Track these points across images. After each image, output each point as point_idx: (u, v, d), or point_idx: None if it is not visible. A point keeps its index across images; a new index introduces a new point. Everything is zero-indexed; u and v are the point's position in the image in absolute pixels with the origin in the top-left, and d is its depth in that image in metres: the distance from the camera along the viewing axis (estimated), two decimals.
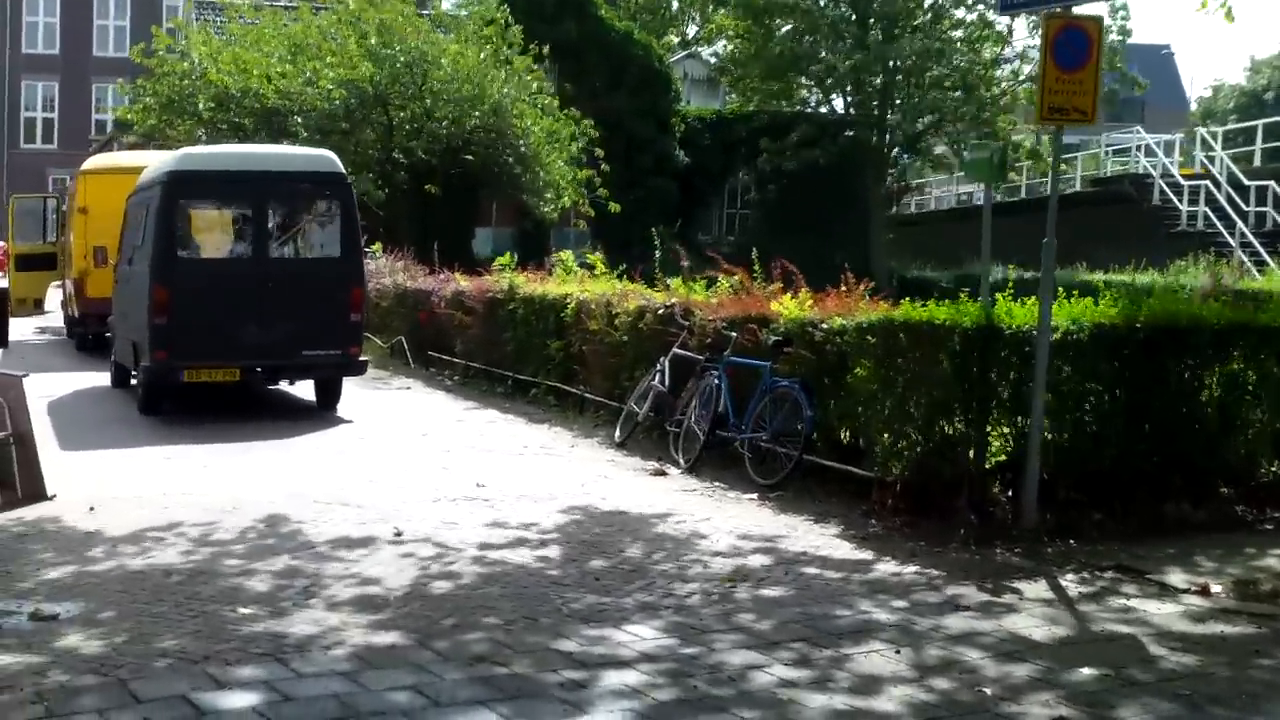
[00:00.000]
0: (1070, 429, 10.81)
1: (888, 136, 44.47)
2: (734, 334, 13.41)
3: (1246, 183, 36.26)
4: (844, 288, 12.86)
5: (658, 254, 22.31)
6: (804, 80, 46.15)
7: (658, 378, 14.63)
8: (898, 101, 43.97)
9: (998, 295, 11.11)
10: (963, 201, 54.73)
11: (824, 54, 44.22)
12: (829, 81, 45.10)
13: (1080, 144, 46.59)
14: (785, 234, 37.47)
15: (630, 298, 15.99)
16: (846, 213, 43.39)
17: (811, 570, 9.46)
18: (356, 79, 31.16)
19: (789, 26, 45.84)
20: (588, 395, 16.96)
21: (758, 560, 9.72)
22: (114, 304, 19.50)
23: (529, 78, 32.83)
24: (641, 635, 7.83)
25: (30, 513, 10.97)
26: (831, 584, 9.11)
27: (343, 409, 17.45)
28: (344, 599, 8.50)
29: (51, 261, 29.13)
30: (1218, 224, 35.55)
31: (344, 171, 17.29)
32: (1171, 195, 37.42)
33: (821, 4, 44.55)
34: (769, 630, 8.00)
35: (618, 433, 15.01)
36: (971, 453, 10.80)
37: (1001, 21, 44.57)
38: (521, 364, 18.97)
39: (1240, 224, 34.83)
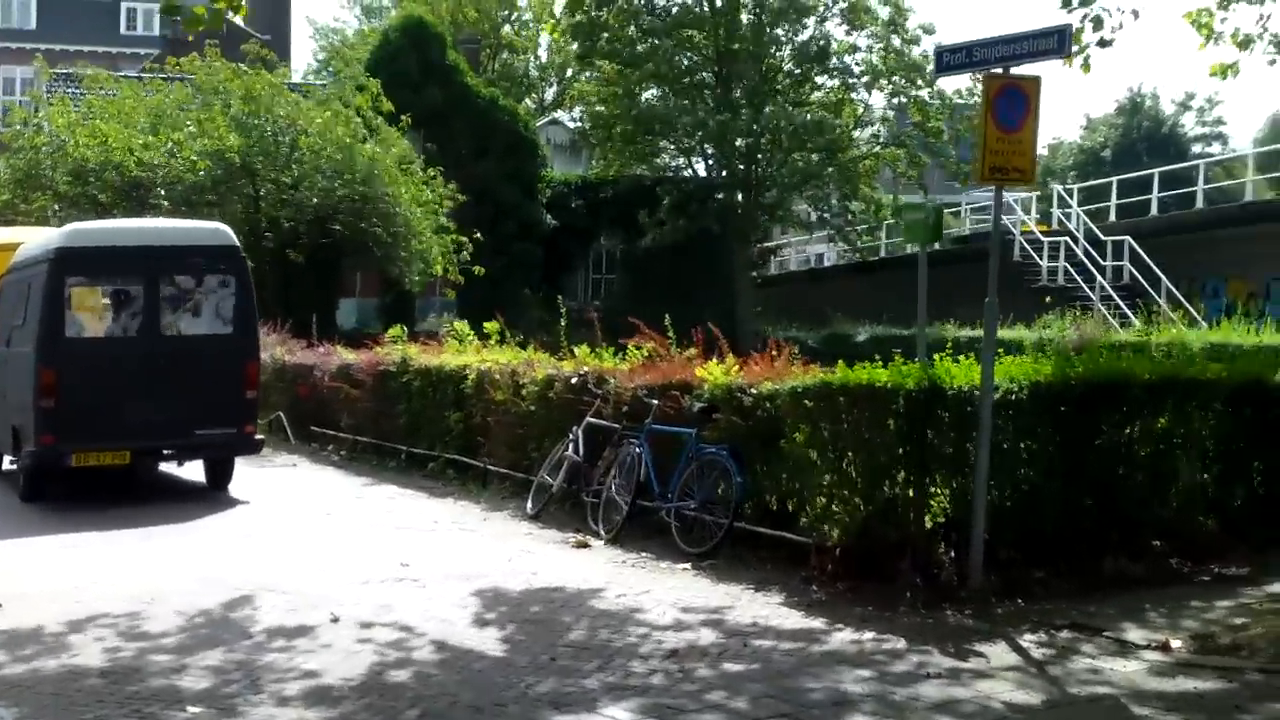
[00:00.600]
0: (1010, 488, 10.73)
1: (752, 198, 44.72)
2: (655, 401, 13.18)
3: (1103, 238, 37.01)
4: (771, 352, 12.68)
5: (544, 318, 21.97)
6: (666, 144, 46.34)
7: (571, 447, 14.34)
8: (761, 164, 44.26)
9: (935, 355, 11.03)
10: (820, 262, 55.42)
11: (685, 117, 44.44)
12: (694, 144, 45.37)
13: (925, 204, 47.36)
14: (651, 298, 37.38)
15: (537, 367, 15.71)
16: (712, 275, 43.57)
17: (767, 642, 9.23)
18: (222, 149, 30.56)
19: (651, 90, 46.08)
20: (491, 467, 16.60)
21: (708, 634, 9.47)
22: None
23: (396, 148, 32.48)
24: (618, 718, 7.54)
25: None
26: (792, 655, 8.90)
27: (234, 488, 16.92)
28: (294, 693, 8.10)
29: None
30: (1077, 278, 36.21)
31: (238, 244, 16.82)
32: (1031, 251, 38.04)
33: (683, 66, 44.79)
34: (747, 708, 7.77)
35: (529, 505, 14.68)
36: (913, 514, 10.66)
37: (859, 90, 45.31)
38: (415, 437, 18.57)
39: (1099, 278, 35.50)
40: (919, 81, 43.95)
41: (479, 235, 33.86)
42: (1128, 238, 36.34)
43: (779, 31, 45.15)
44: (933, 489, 10.72)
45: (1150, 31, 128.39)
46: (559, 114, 58.98)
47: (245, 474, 17.50)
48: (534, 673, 8.49)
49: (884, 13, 44.77)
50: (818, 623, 9.76)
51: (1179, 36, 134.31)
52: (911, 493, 10.66)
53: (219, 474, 16.94)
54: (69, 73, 39.00)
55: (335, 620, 9.80)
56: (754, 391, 12.00)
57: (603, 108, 47.36)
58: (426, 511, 15.22)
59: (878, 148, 45.03)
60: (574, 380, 14.77)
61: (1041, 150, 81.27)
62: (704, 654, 8.93)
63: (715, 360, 12.87)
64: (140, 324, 16.16)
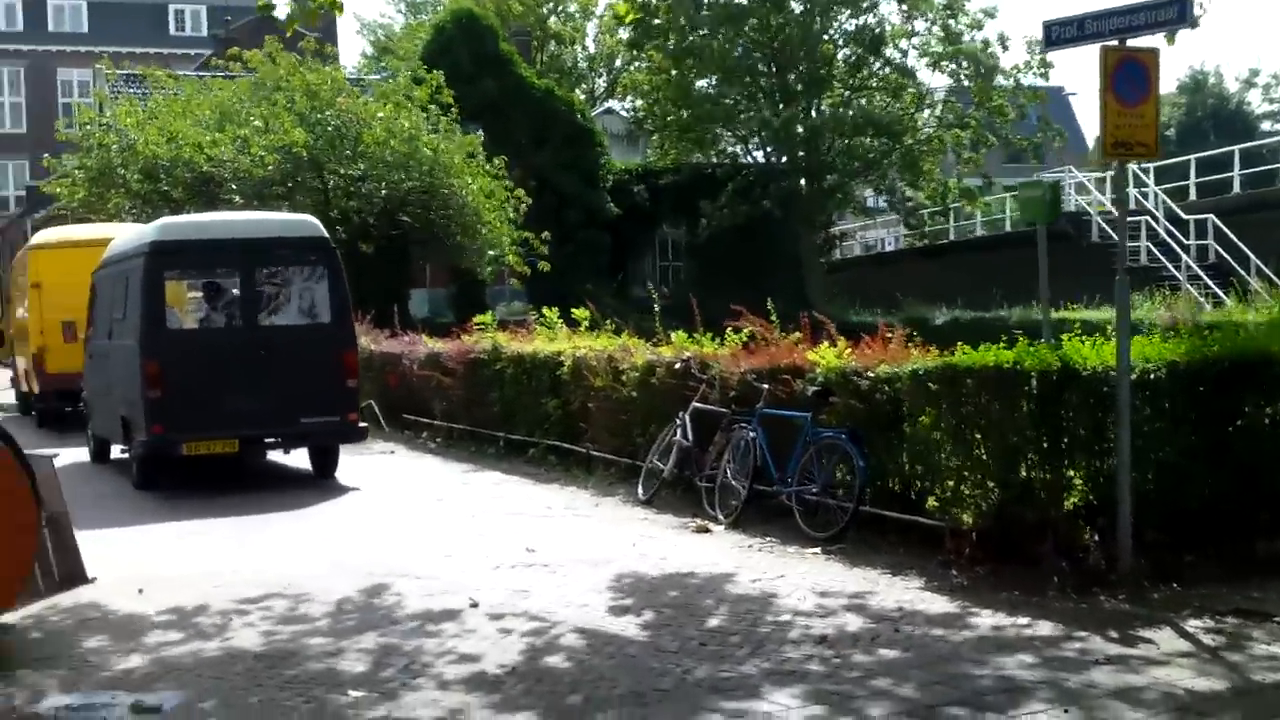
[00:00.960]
0: (1152, 469, 10.54)
1: (814, 183, 44.53)
2: (765, 386, 13.10)
3: (1184, 216, 36.62)
4: (885, 335, 12.58)
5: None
6: (723, 131, 46.20)
7: (679, 433, 14.28)
8: (821, 150, 44.07)
9: (1064, 336, 10.89)
10: (882, 247, 55.10)
11: (743, 106, 44.33)
12: (751, 132, 45.24)
13: (991, 186, 47.21)
14: (718, 283, 37.40)
15: (636, 353, 15.64)
16: (778, 260, 43.39)
17: (917, 628, 9.10)
18: (289, 144, 30.62)
19: (705, 80, 45.97)
20: (594, 453, 16.54)
21: (854, 619, 9.37)
22: (88, 379, 18.93)
23: (465, 138, 32.47)
24: (786, 705, 7.47)
25: (74, 598, 10.44)
26: (947, 641, 8.77)
27: (339, 475, 16.99)
28: (452, 677, 8.07)
29: None
30: (1161, 258, 35.83)
31: (327, 235, 16.88)
32: (1111, 231, 37.66)
33: (736, 55, 44.61)
34: (916, 695, 7.66)
35: (640, 490, 14.62)
36: (1051, 497, 10.52)
37: (921, 72, 45.07)
38: (511, 423, 18.54)
39: (1185, 257, 35.14)
40: (980, 65, 43.67)
41: (547, 235, 33.69)
42: (1211, 216, 35.92)
43: (832, 19, 44.95)
44: (1070, 471, 10.56)
45: (1212, 8, 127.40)
46: (612, 103, 58.83)
47: (347, 461, 17.52)
48: (686, 658, 8.42)
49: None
50: (965, 608, 9.62)
51: (1241, 11, 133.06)
52: (1048, 475, 10.52)
53: (325, 462, 17.02)
54: (132, 73, 39.17)
55: (474, 605, 9.78)
56: (871, 374, 11.90)
57: (656, 97, 47.26)
58: (536, 497, 15.19)
59: (941, 131, 44.67)
60: (677, 366, 14.69)
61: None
62: (855, 639, 8.83)
63: (825, 344, 12.77)
64: (238, 315, 16.32)
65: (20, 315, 26.02)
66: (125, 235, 19.04)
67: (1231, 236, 35.12)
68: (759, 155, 47.14)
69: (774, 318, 14.33)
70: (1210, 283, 33.85)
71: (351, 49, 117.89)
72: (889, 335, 12.55)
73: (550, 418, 17.48)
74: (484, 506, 14.56)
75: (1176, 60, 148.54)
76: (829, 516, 12.16)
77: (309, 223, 17.13)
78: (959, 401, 10.84)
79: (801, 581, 10.50)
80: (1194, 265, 35.15)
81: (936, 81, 45.53)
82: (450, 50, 40.89)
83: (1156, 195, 38.58)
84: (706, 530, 12.81)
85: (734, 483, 13.20)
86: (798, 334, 13.81)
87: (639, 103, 49.45)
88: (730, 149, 47.64)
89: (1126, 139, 10.12)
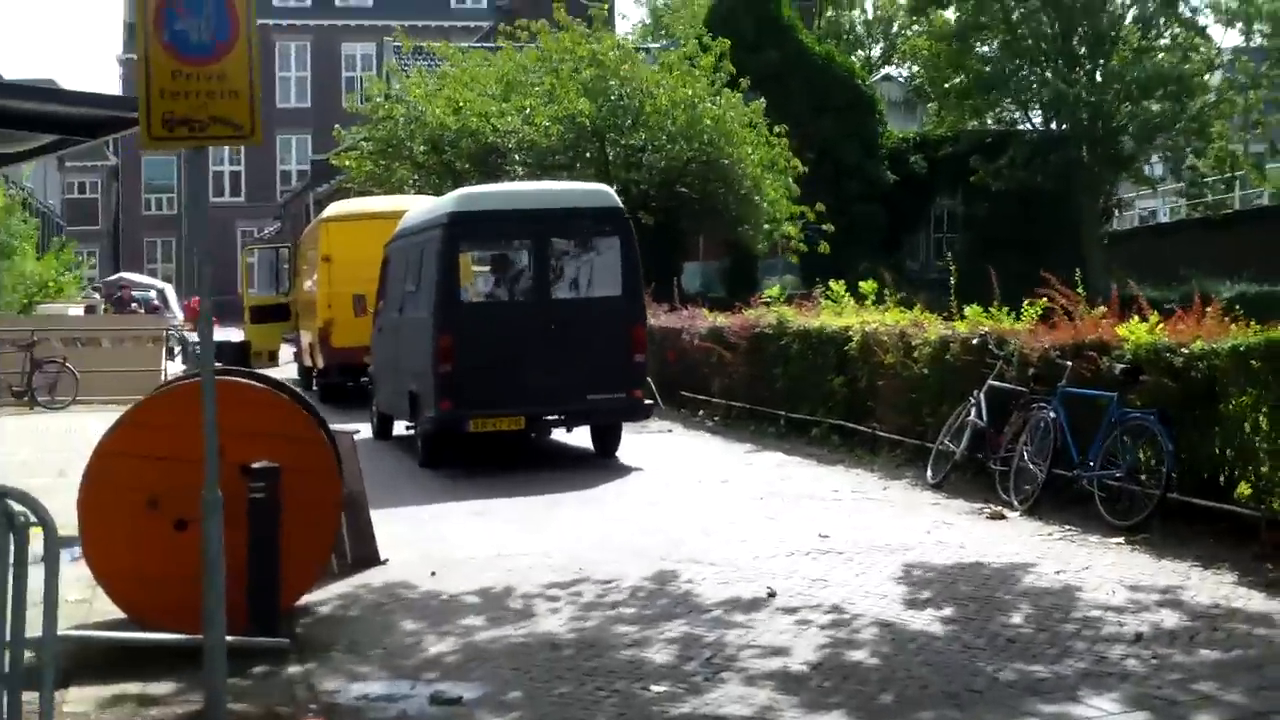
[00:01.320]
0: None
1: (1099, 151, 43.10)
2: (1069, 363, 12.59)
3: None
4: (1205, 309, 11.95)
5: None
6: (1004, 99, 45.06)
7: (973, 412, 13.86)
8: (1107, 116, 42.60)
9: None
10: (1154, 218, 53.14)
11: (1025, 75, 43.18)
12: (1034, 98, 44.03)
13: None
14: (995, 256, 36.40)
15: (929, 328, 15.24)
16: (1058, 231, 42.12)
17: (1238, 626, 8.63)
18: (573, 114, 30.81)
19: (987, 45, 44.89)
20: (880, 433, 16.21)
21: (1169, 615, 8.92)
22: (375, 354, 19.24)
23: (748, 107, 32.17)
24: (1107, 710, 7.12)
25: (369, 579, 10.56)
26: (1274, 643, 8.28)
27: (621, 455, 16.95)
28: (757, 672, 7.91)
29: (284, 313, 29.14)
30: None
31: (622, 206, 16.82)
32: None
33: (1019, 17, 43.44)
34: (1246, 701, 7.22)
35: (930, 473, 14.24)
36: None
37: (1211, 29, 43.19)
38: (795, 402, 18.27)
39: None
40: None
41: (821, 207, 33.23)
42: None
43: None
44: None
45: None
46: (889, 69, 57.92)
47: (626, 440, 17.46)
48: (996, 656, 8.12)
49: None
50: None
51: None
52: None
53: (608, 440, 17.00)
54: (421, 45, 39.89)
55: (772, 595, 9.60)
56: (1185, 351, 11.32)
57: (936, 63, 46.33)
58: (823, 479, 14.93)
59: (1233, 94, 42.78)
60: (973, 341, 14.26)
61: None
62: (1173, 638, 8.40)
63: (1135, 318, 12.20)
64: (531, 288, 16.33)
65: (307, 289, 26.58)
66: (420, 207, 19.28)
67: None
68: (1039, 122, 45.82)
69: (1080, 289, 13.75)
70: None
71: (630, 16, 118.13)
72: (1205, 310, 11.92)
73: (835, 396, 17.17)
74: (770, 489, 14.35)
75: None
76: (1133, 503, 11.65)
77: (604, 193, 17.09)
78: None
79: (1108, 574, 10.06)
80: None
81: (1227, 41, 43.61)
82: (733, 17, 40.58)
83: None
84: (1001, 516, 12.40)
85: (1031, 466, 12.74)
86: (1103, 308, 13.25)
87: (917, 68, 48.52)
88: (1010, 115, 46.43)
89: None
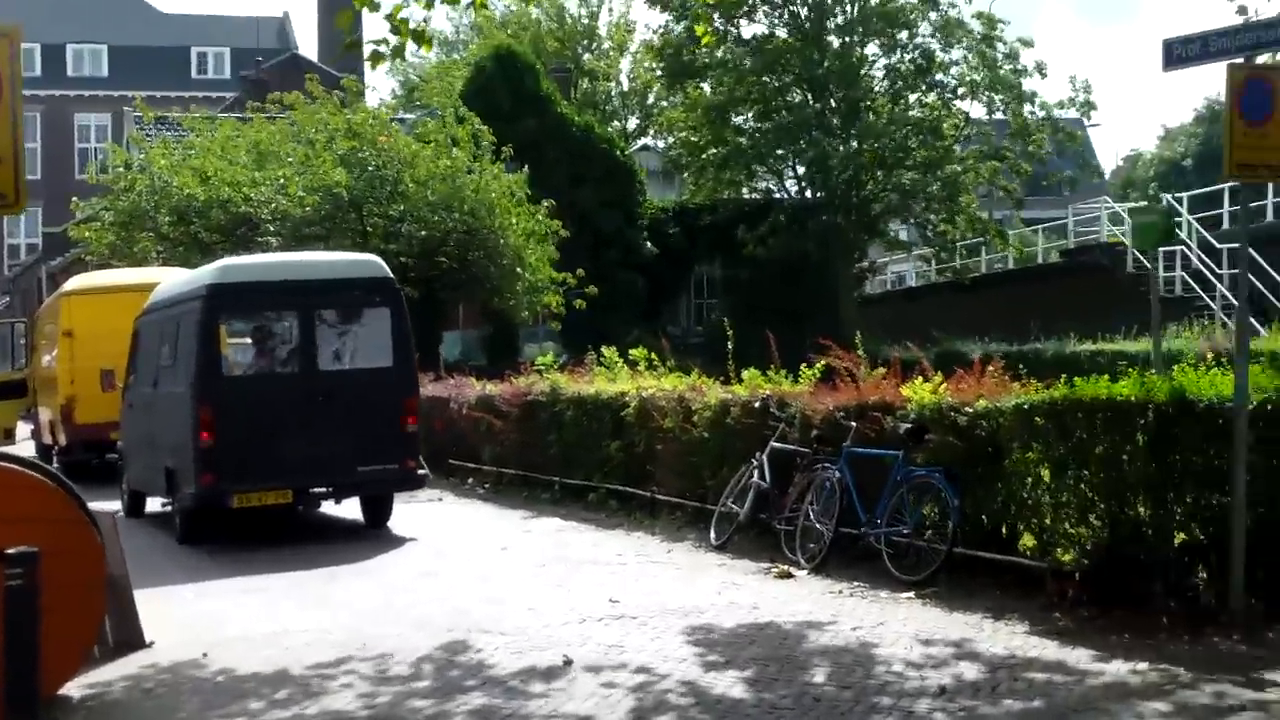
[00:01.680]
0: (1266, 505, 10.00)
1: (853, 218, 44.05)
2: (853, 424, 12.59)
3: (1218, 245, 35.97)
4: (986, 369, 12.08)
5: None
6: (761, 168, 45.82)
7: (756, 474, 13.79)
8: (861, 183, 43.62)
9: (1176, 367, 10.38)
10: (900, 283, 54.54)
11: (781, 141, 44.03)
12: (790, 167, 44.93)
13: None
14: (755, 321, 36.84)
15: (708, 392, 15.16)
16: (816, 296, 42.84)
17: (1037, 675, 8.63)
18: (330, 184, 30.24)
19: (743, 116, 45.59)
20: (659, 496, 16.04)
21: (968, 668, 8.88)
22: (126, 430, 18.45)
23: (509, 178, 32.06)
24: None
25: (136, 662, 9.90)
26: (1072, 690, 8.30)
27: (393, 525, 16.45)
28: None
29: (20, 389, 27.81)
30: (1196, 287, 35.22)
31: (392, 276, 16.42)
32: (1145, 262, 37.07)
33: (774, 88, 44.25)
34: None
35: (713, 535, 14.11)
36: (1162, 535, 10.02)
37: (956, 104, 44.62)
38: (570, 467, 18.04)
39: (1220, 286, 34.52)
40: (1019, 95, 43.33)
41: (582, 272, 33.27)
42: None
43: (870, 50, 44.66)
44: (1179, 508, 10.05)
45: None
46: (646, 140, 58.44)
47: (396, 509, 16.97)
48: (803, 715, 7.96)
49: (977, 27, 43.98)
50: (1080, 653, 9.13)
51: None
52: (1160, 512, 10.02)
53: (378, 511, 16.52)
54: (164, 114, 38.75)
55: (568, 663, 9.27)
56: (969, 410, 11.40)
57: (693, 134, 46.91)
58: (603, 544, 14.67)
59: (976, 164, 44.18)
60: (756, 404, 14.19)
61: (1120, 161, 79.47)
62: (976, 689, 8.36)
63: (919, 379, 12.27)
64: (297, 359, 15.82)
65: (46, 364, 25.48)
66: (174, 279, 18.63)
67: (1264, 265, 34.52)
68: (795, 191, 46.63)
69: (861, 351, 13.84)
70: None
71: (381, 87, 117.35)
72: (987, 368, 12.05)
73: (611, 461, 16.98)
74: (552, 555, 14.03)
75: (1193, 92, 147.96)
76: (920, 558, 11.69)
77: (374, 263, 16.69)
78: (1067, 436, 10.36)
79: (902, 629, 10.01)
80: (1229, 295, 34.45)
81: (974, 112, 45.05)
82: (490, 88, 40.45)
83: (1190, 224, 37.91)
84: (789, 575, 12.30)
85: (817, 525, 12.69)
86: (882, 369, 13.35)
87: (675, 139, 49.00)
88: (766, 185, 47.20)
89: (1250, 161, 9.62)
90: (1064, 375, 11.05)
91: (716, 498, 14.65)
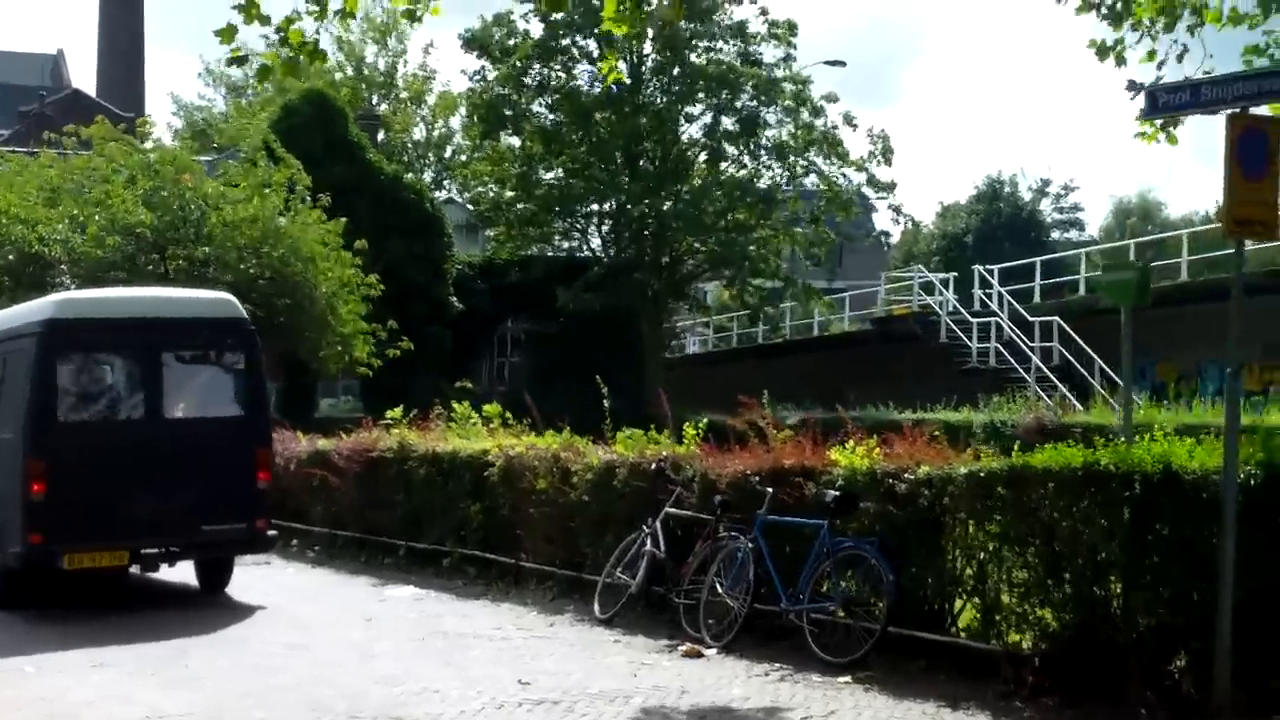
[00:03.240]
0: (1250, 586, 9.35)
1: (662, 279, 43.57)
2: (769, 490, 11.70)
3: (1030, 319, 36.29)
4: (919, 431, 11.32)
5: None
6: (569, 224, 45.19)
7: (649, 542, 12.82)
8: (671, 244, 43.21)
9: (1150, 434, 9.72)
10: (720, 345, 54.25)
11: (592, 199, 43.51)
12: (598, 224, 44.34)
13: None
14: (557, 380, 36.20)
15: (589, 453, 14.16)
16: (620, 358, 42.03)
17: None
18: (132, 225, 28.48)
19: (552, 172, 44.91)
20: (526, 564, 14.94)
21: None
22: None
23: (323, 227, 30.67)
24: None
25: None
26: None
27: (232, 590, 15.05)
28: None
29: None
30: (1010, 359, 35.42)
31: (246, 316, 15.08)
32: (959, 332, 37.24)
33: (589, 144, 43.66)
34: None
35: (598, 608, 13.06)
36: (1138, 618, 9.32)
37: (771, 168, 44.51)
38: (418, 530, 16.83)
39: (1034, 359, 34.76)
40: (832, 157, 43.43)
41: (393, 323, 32.10)
42: (1056, 318, 35.68)
43: (690, 110, 44.35)
44: (1161, 587, 9.36)
45: (1011, 117, 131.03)
46: (445, 193, 57.31)
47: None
48: None
49: (788, 88, 43.97)
50: None
51: (1035, 121, 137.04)
52: (1134, 592, 9.32)
53: (217, 576, 15.12)
54: None
55: None
56: (909, 476, 10.61)
57: (498, 188, 46.11)
58: (475, 616, 13.47)
59: (792, 227, 44.12)
60: (649, 466, 13.23)
61: (894, 236, 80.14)
62: None
63: (850, 442, 11.45)
64: (140, 406, 14.35)
65: None
66: (4, 314, 16.93)
67: (1076, 339, 34.96)
68: (601, 249, 45.96)
69: (768, 410, 13.02)
70: (1059, 384, 33.47)
71: (162, 129, 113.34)
72: (922, 434, 11.29)
73: (469, 524, 15.83)
74: (424, 627, 12.82)
75: (974, 169, 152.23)
76: (849, 638, 10.81)
77: (228, 302, 15.30)
78: (1027, 508, 9.63)
79: (856, 719, 9.11)
80: (1044, 368, 34.75)
81: (785, 175, 44.95)
82: (300, 132, 38.91)
83: (1002, 296, 38.23)
84: (698, 654, 11.31)
85: (726, 599, 11.73)
86: (787, 431, 12.54)
87: (481, 192, 48.00)
88: (574, 242, 46.53)
89: (1248, 216, 9.02)
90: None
91: (596, 567, 13.66)
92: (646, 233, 43.10)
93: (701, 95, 43.19)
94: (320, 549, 18.71)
